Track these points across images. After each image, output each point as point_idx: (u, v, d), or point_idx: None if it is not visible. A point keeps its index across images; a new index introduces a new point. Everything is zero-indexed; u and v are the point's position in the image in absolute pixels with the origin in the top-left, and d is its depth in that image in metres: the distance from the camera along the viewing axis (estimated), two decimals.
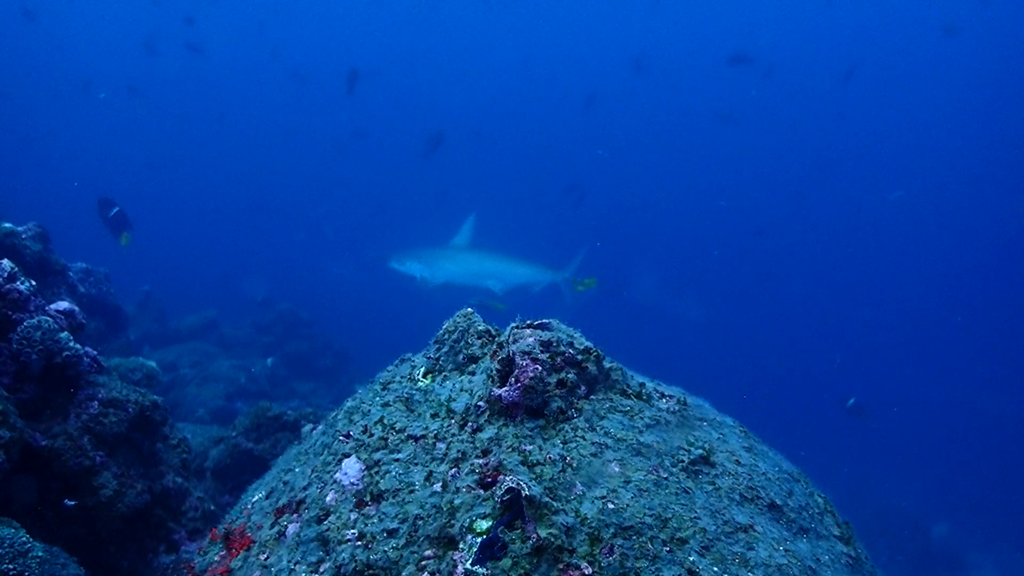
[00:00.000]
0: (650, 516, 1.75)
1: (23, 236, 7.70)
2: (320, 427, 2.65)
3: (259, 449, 7.69)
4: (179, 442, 5.79)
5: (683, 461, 1.93)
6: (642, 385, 2.18)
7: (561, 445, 1.92)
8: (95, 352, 5.51)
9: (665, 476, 1.87)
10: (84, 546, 4.86)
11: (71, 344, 5.15)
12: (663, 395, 2.18)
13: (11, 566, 3.65)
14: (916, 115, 44.30)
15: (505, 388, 2.02)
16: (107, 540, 5.16)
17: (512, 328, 2.16)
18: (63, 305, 5.43)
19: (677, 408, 2.12)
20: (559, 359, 2.05)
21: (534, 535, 1.68)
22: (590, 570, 1.63)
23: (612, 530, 1.71)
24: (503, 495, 1.74)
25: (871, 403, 16.22)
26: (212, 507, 5.85)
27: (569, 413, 2.01)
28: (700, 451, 1.97)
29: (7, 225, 7.51)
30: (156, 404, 5.57)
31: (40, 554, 3.85)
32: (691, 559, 1.67)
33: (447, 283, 13.25)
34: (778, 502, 1.96)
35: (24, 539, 3.80)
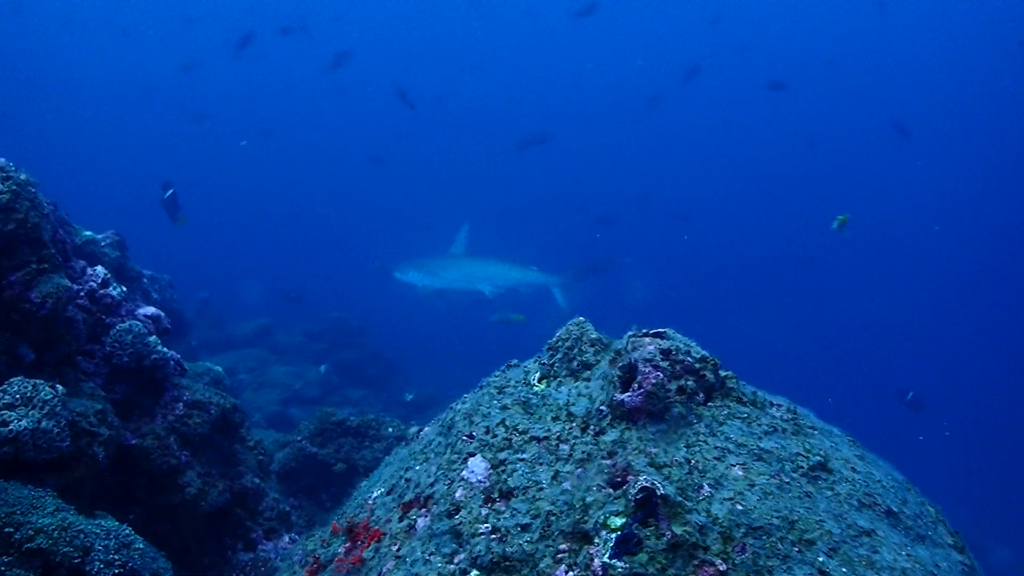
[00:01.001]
0: (777, 518, 1.83)
1: (102, 244, 7.98)
2: (429, 429, 2.77)
3: (323, 453, 7.87)
4: (256, 444, 5.97)
5: (802, 467, 2.01)
6: (755, 393, 2.27)
7: (685, 449, 2.02)
8: (179, 356, 5.72)
9: (787, 481, 1.95)
10: (168, 542, 5.04)
11: (159, 348, 5.35)
12: (772, 403, 2.26)
13: (117, 556, 3.82)
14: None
15: (628, 394, 2.12)
16: (189, 537, 5.34)
17: (630, 336, 2.26)
18: (150, 310, 5.65)
19: (789, 416, 2.20)
20: (678, 367, 2.14)
21: (668, 532, 1.78)
22: (724, 567, 1.72)
23: (743, 530, 1.80)
24: (636, 493, 1.84)
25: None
26: (286, 507, 6.02)
27: (689, 419, 2.10)
28: (818, 458, 2.05)
29: (87, 233, 7.80)
30: (236, 407, 5.76)
31: (141, 546, 4.03)
32: (820, 559, 1.75)
33: (443, 288, 14.38)
34: (894, 509, 2.03)
35: (128, 531, 3.98)
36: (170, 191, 9.88)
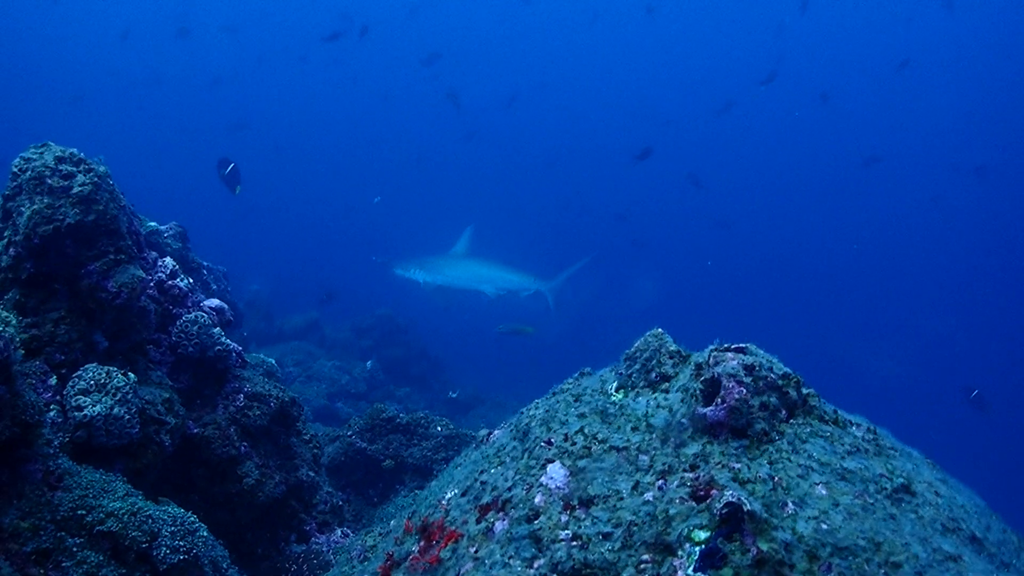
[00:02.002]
0: (863, 539, 1.83)
1: (165, 235, 8.18)
2: (499, 432, 2.80)
3: (372, 449, 7.96)
4: (311, 437, 6.07)
5: (886, 488, 2.01)
6: (836, 411, 2.27)
7: (768, 465, 2.02)
8: (240, 348, 5.84)
9: (871, 502, 1.95)
10: (225, 530, 5.15)
11: (222, 339, 5.48)
12: (852, 422, 2.26)
13: (182, 543, 3.92)
14: None
15: (710, 408, 2.13)
16: (245, 527, 5.45)
17: (712, 351, 2.27)
18: (214, 302, 5.78)
19: (871, 437, 2.20)
20: (761, 383, 2.15)
21: (754, 548, 1.79)
22: None
23: (829, 549, 1.80)
24: (721, 508, 1.85)
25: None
26: (339, 502, 6.11)
27: (772, 435, 2.11)
28: (901, 480, 2.04)
29: (152, 224, 8.00)
30: (294, 400, 5.86)
31: (205, 534, 4.13)
32: None
33: (445, 286, 14.91)
34: (978, 535, 2.02)
35: (193, 519, 4.08)
36: (231, 166, 10.31)
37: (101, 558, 3.61)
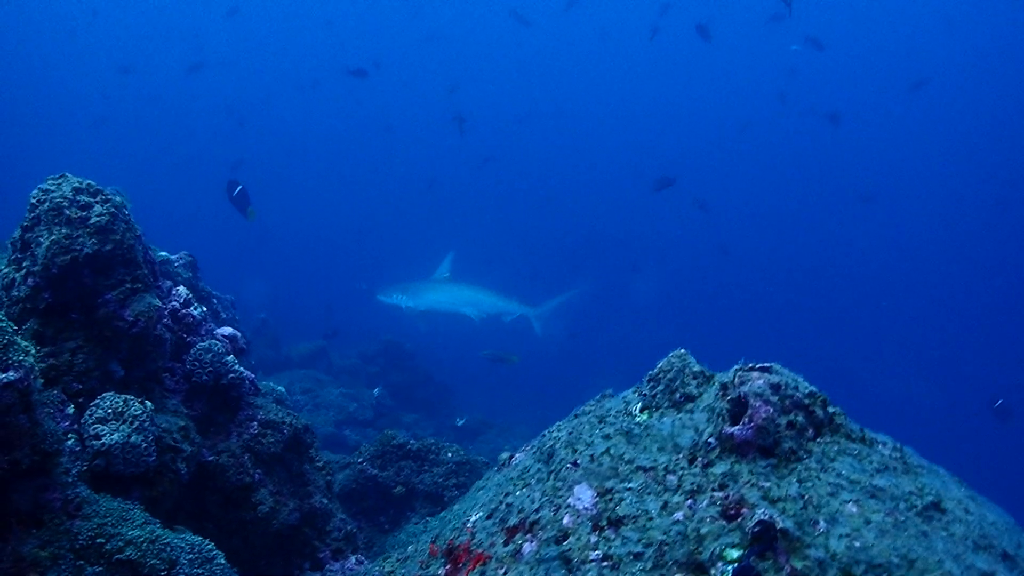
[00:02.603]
0: (896, 556, 1.83)
1: (176, 264, 8.21)
2: (521, 455, 2.81)
3: (383, 476, 7.94)
4: (324, 464, 6.06)
5: (916, 506, 2.01)
6: (862, 429, 2.28)
7: (797, 484, 2.03)
8: (253, 376, 5.86)
9: (902, 519, 1.95)
10: (239, 558, 5.13)
11: (236, 367, 5.49)
12: (877, 440, 2.27)
13: (200, 571, 3.91)
14: None
15: (738, 427, 2.14)
16: (259, 554, 5.43)
17: (737, 371, 2.29)
18: (228, 330, 5.80)
19: (897, 455, 2.20)
20: (788, 401, 2.16)
21: (787, 566, 1.79)
22: None
23: (863, 567, 1.80)
24: (754, 527, 1.86)
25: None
26: (352, 528, 6.09)
27: (800, 454, 2.11)
28: (931, 497, 2.05)
29: (163, 253, 8.04)
30: (307, 427, 5.86)
31: (222, 561, 4.12)
32: None
33: (429, 310, 15.32)
34: (1010, 552, 2.02)
35: (210, 546, 4.08)
36: (239, 188, 10.34)
37: None
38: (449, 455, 8.10)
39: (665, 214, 41.33)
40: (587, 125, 49.91)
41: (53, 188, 4.35)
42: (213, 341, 5.43)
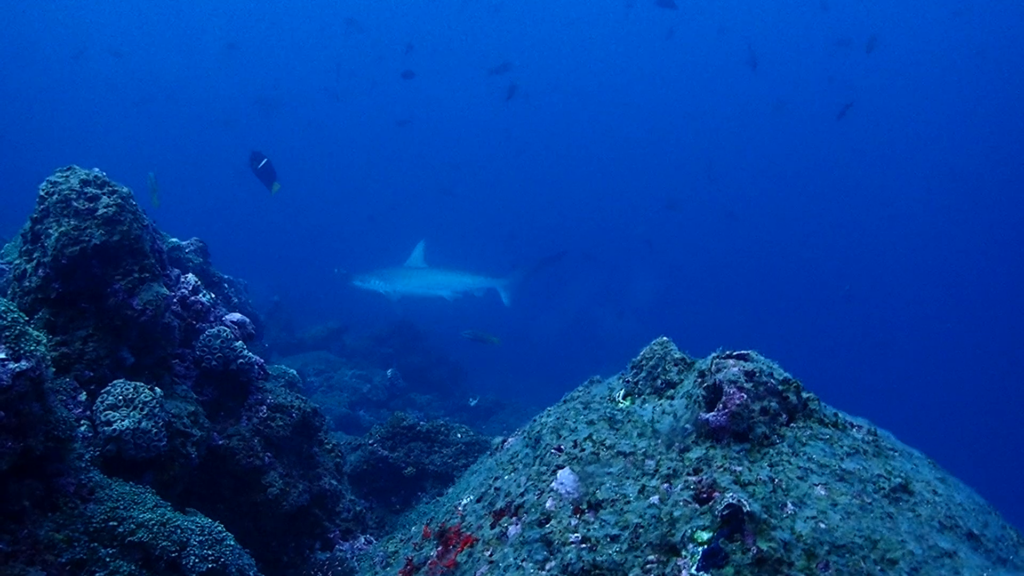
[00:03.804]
0: (860, 537, 1.90)
1: (187, 250, 8.35)
2: (513, 440, 2.89)
3: (394, 457, 8.07)
4: (333, 447, 6.18)
5: (884, 488, 2.08)
6: (836, 414, 2.34)
7: (768, 468, 2.10)
8: (262, 360, 5.97)
9: (869, 501, 2.02)
10: (250, 539, 5.27)
11: (245, 352, 5.60)
12: (853, 424, 2.33)
13: (210, 552, 4.04)
14: None
15: (712, 413, 2.21)
16: (270, 535, 5.56)
17: (714, 358, 2.35)
18: (236, 316, 5.91)
19: (871, 438, 2.27)
20: (762, 388, 2.23)
21: (754, 548, 1.87)
22: None
23: (826, 547, 1.88)
24: (723, 510, 1.93)
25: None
26: (362, 509, 6.22)
27: (772, 439, 2.18)
28: (899, 479, 2.11)
29: (173, 240, 8.17)
30: (316, 410, 5.98)
31: (232, 543, 4.24)
32: None
33: (406, 295, 16.26)
34: (976, 532, 2.08)
35: (220, 528, 4.20)
36: (264, 160, 10.31)
37: (133, 568, 3.73)
38: (459, 436, 8.21)
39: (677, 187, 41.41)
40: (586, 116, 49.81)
41: (61, 180, 4.45)
42: (222, 327, 5.54)
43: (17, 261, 4.57)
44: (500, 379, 20.72)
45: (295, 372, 9.45)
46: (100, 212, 4.42)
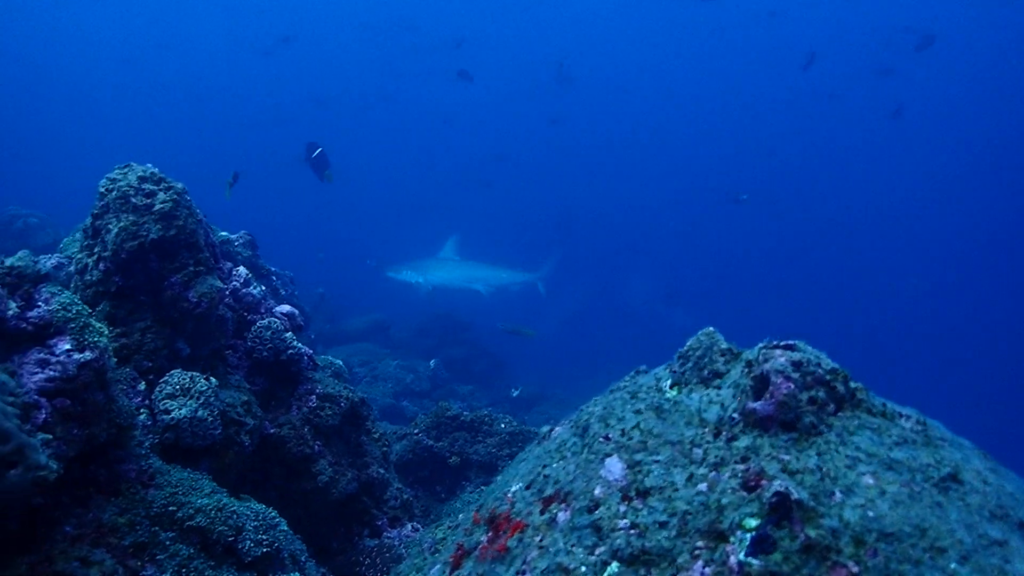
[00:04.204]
0: (908, 525, 1.92)
1: (236, 243, 8.53)
2: (560, 429, 2.95)
3: (438, 446, 8.18)
4: (380, 436, 6.30)
5: (933, 477, 2.09)
6: (884, 404, 2.35)
7: (816, 456, 2.12)
8: (311, 351, 6.09)
9: (917, 490, 2.04)
10: (301, 526, 5.40)
11: (294, 343, 5.73)
12: (901, 414, 2.34)
13: (265, 536, 4.16)
14: None
15: (760, 402, 2.24)
16: (320, 522, 5.70)
17: (761, 348, 2.38)
18: (285, 308, 6.04)
19: (919, 428, 2.27)
20: (809, 378, 2.25)
21: (802, 535, 1.90)
22: (856, 569, 1.83)
23: (875, 535, 1.90)
24: (771, 497, 1.96)
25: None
26: (408, 497, 6.33)
27: (820, 428, 2.21)
28: (948, 469, 2.12)
29: (223, 233, 8.35)
30: (363, 400, 6.10)
31: (285, 528, 4.37)
32: (952, 567, 1.83)
33: (440, 286, 16.11)
34: None
35: (273, 514, 4.33)
36: (318, 150, 10.41)
37: (192, 551, 3.87)
38: (502, 426, 8.30)
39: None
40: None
41: (120, 177, 4.60)
42: (272, 319, 5.67)
43: (79, 256, 4.73)
44: (540, 370, 20.80)
45: (340, 363, 9.60)
46: (157, 208, 4.56)
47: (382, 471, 6.09)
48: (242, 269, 5.74)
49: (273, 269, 9.66)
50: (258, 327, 5.58)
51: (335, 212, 41.07)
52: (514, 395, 15.80)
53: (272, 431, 5.48)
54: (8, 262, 3.51)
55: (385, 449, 6.36)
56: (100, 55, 49.53)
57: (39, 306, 3.50)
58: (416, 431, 8.21)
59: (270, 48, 39.56)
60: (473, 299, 17.42)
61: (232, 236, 8.56)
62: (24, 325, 3.43)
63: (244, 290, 5.68)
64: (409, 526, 6.08)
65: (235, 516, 4.10)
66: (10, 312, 3.44)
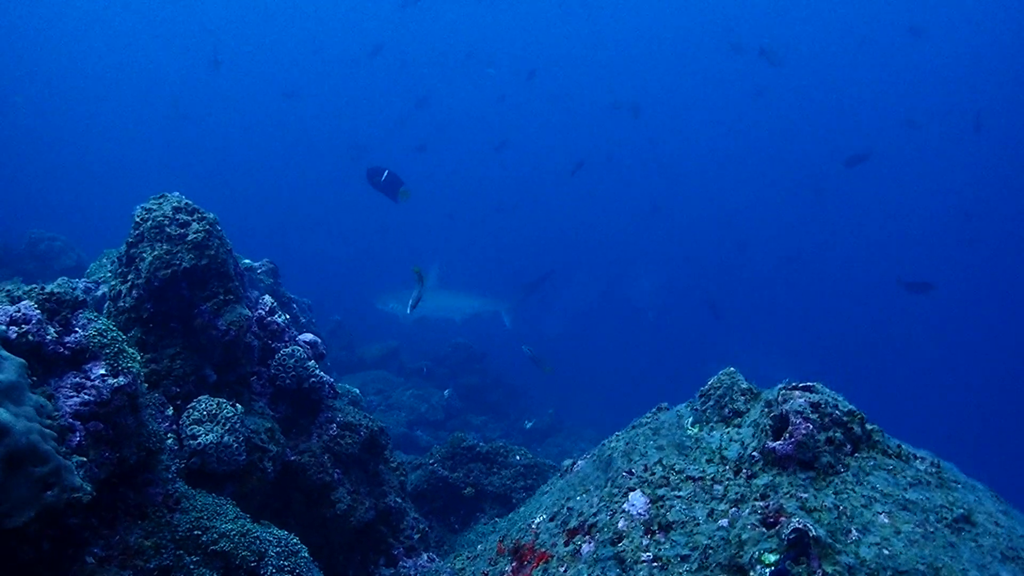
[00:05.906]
0: (922, 564, 1.99)
1: (258, 271, 8.67)
2: (582, 463, 3.03)
3: (453, 477, 8.23)
4: (398, 465, 6.37)
5: (946, 518, 2.16)
6: (899, 446, 2.42)
7: (833, 495, 2.20)
8: (332, 379, 6.19)
9: (931, 530, 2.11)
10: (319, 553, 5.45)
11: (316, 371, 5.83)
12: (916, 456, 2.41)
13: (286, 563, 4.23)
14: None
15: (779, 442, 2.32)
16: (338, 549, 5.75)
17: (780, 389, 2.46)
18: (308, 336, 6.15)
19: (934, 470, 2.34)
20: (827, 419, 2.33)
21: (819, 571, 1.97)
22: None
23: (889, 573, 1.97)
24: (789, 534, 2.04)
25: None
26: (425, 527, 6.38)
27: (837, 468, 2.28)
28: (961, 510, 2.19)
29: (246, 261, 8.49)
30: (382, 429, 6.17)
31: (306, 555, 4.43)
32: None
33: (422, 317, 17.02)
34: None
35: (295, 540, 4.40)
36: (386, 172, 10.44)
37: (215, 575, 3.94)
38: (517, 458, 8.34)
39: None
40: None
41: (155, 207, 4.75)
42: (296, 347, 5.77)
43: (113, 282, 4.86)
44: (556, 401, 20.80)
45: (357, 391, 9.68)
46: (190, 237, 4.70)
47: (399, 500, 6.15)
48: (267, 298, 5.86)
49: (293, 296, 9.79)
50: (281, 355, 5.68)
51: (345, 234, 41.32)
52: (528, 427, 15.82)
53: (293, 458, 5.55)
54: (48, 288, 3.64)
55: (402, 478, 6.42)
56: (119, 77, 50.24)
57: (76, 331, 3.62)
58: (431, 461, 8.26)
59: (289, 92, 40.09)
60: (493, 328, 17.91)
61: (255, 264, 8.71)
62: (61, 350, 3.54)
63: (269, 318, 5.79)
64: (425, 556, 6.12)
65: (258, 542, 4.18)
66: (49, 337, 3.56)
